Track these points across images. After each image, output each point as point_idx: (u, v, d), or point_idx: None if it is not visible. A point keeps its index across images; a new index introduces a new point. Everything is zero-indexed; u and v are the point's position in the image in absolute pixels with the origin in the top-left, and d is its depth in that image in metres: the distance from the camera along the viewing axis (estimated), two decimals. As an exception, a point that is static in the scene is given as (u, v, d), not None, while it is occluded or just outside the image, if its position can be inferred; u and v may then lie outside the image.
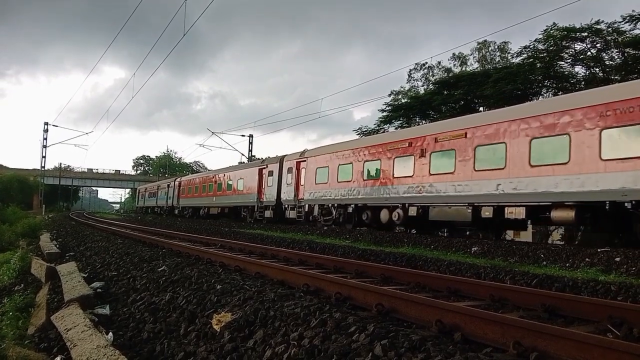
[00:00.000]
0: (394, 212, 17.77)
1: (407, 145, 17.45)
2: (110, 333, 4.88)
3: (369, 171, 19.38)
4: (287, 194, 25.63)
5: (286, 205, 25.85)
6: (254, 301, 4.97)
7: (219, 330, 4.48)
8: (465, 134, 15.18)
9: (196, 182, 42.25)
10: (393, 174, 17.95)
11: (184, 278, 6.71)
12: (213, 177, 38.06)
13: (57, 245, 13.89)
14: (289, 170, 25.88)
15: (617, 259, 9.52)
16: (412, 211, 16.91)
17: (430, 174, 16.25)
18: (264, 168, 28.93)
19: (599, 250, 10.68)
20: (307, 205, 23.72)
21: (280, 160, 27.32)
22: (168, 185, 50.66)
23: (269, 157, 31.98)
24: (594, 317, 5.03)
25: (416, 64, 53.22)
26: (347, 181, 20.48)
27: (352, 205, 20.31)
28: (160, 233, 19.40)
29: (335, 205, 21.43)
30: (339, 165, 21.21)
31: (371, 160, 19.30)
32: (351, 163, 20.41)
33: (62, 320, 5.09)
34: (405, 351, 3.31)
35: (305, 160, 24.48)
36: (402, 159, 17.64)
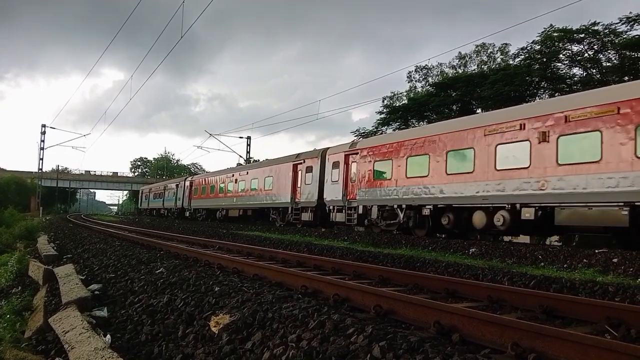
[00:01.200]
0: (497, 214, 14.09)
1: (517, 127, 13.78)
2: (108, 335, 4.87)
3: (454, 163, 15.73)
4: (333, 193, 21.85)
5: (331, 207, 22.10)
6: (252, 303, 4.97)
7: (217, 332, 4.48)
8: (618, 109, 11.55)
9: (212, 182, 37.92)
10: (495, 166, 14.22)
11: (181, 280, 6.70)
12: (233, 176, 33.86)
13: (55, 248, 13.85)
14: (335, 165, 21.95)
15: (615, 260, 9.56)
16: (527, 213, 13.36)
17: (559, 164, 12.63)
18: (300, 163, 25.17)
19: (596, 251, 10.72)
20: (360, 207, 19.87)
21: (322, 153, 23.56)
22: (177, 185, 46.82)
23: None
24: (591, 318, 5.04)
25: (416, 66, 53.45)
26: (421, 176, 16.82)
27: (428, 207, 16.57)
28: (158, 235, 19.37)
29: (404, 206, 17.63)
30: (409, 157, 17.45)
31: (458, 150, 15.59)
32: (427, 154, 16.66)
33: (59, 323, 5.07)
34: (404, 353, 3.31)
35: (357, 153, 20.50)
36: (509, 145, 13.92)
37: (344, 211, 21.09)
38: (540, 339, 3.63)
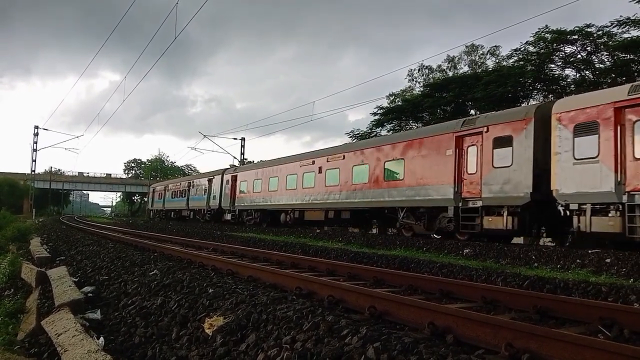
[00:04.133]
0: None
1: None
2: (102, 338, 4.84)
3: None
4: (578, 181, 12.30)
5: (574, 206, 12.40)
6: (247, 305, 4.96)
7: (211, 334, 4.46)
8: None
9: (272, 173, 28.22)
10: None
11: (175, 282, 6.68)
12: (313, 163, 24.19)
13: (48, 250, 13.75)
14: (580, 129, 12.38)
15: (608, 260, 9.61)
16: None
17: None
18: (473, 134, 15.45)
19: (589, 251, 10.78)
20: None
21: (536, 111, 14.01)
22: (210, 180, 37.17)
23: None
24: (585, 318, 5.06)
25: (420, 65, 53.41)
26: None
27: None
28: (152, 237, 19.30)
29: None
30: None
31: None
32: None
33: (52, 325, 5.03)
34: (398, 354, 3.31)
35: None
36: None
37: (615, 214, 11.59)
38: (533, 339, 3.65)
